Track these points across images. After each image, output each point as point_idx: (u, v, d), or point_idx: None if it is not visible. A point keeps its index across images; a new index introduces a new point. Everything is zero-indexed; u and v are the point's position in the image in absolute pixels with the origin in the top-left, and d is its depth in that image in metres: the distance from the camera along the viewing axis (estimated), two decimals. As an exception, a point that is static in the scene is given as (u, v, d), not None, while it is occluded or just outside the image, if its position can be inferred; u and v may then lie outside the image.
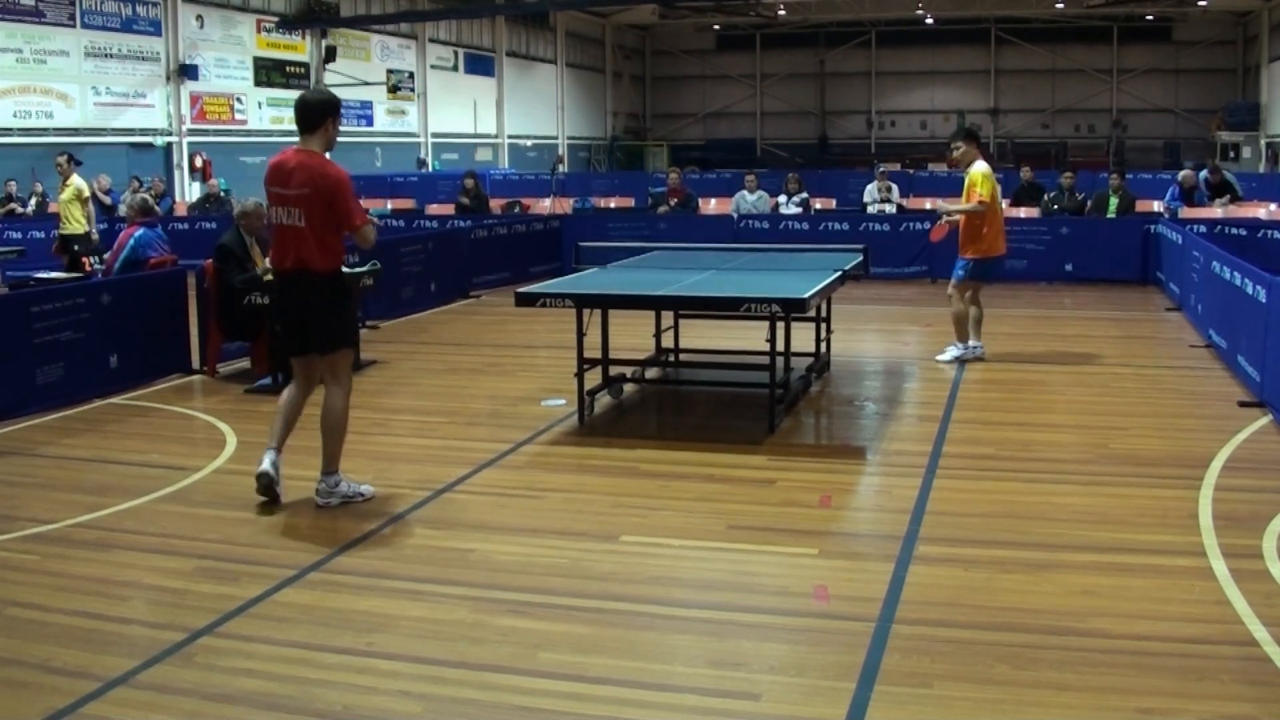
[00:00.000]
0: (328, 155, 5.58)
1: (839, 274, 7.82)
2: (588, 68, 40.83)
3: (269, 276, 8.46)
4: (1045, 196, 15.70)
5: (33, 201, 18.29)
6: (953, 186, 21.07)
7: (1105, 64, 40.04)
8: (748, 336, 8.04)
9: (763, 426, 7.00)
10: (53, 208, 14.42)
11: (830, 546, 5.09)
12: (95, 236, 12.85)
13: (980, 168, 8.91)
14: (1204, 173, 16.93)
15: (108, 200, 16.92)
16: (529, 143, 36.72)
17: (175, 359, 8.94)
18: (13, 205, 17.66)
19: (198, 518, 5.54)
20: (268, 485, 5.61)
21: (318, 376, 5.78)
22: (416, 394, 8.12)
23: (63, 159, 13.09)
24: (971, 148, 9.02)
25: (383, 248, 11.95)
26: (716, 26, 42.60)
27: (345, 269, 9.26)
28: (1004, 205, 17.25)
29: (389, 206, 20.73)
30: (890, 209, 15.80)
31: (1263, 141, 33.38)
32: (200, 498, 5.88)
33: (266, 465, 5.61)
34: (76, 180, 12.92)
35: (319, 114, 5.53)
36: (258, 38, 25.69)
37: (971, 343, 9.15)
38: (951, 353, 9.06)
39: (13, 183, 18.13)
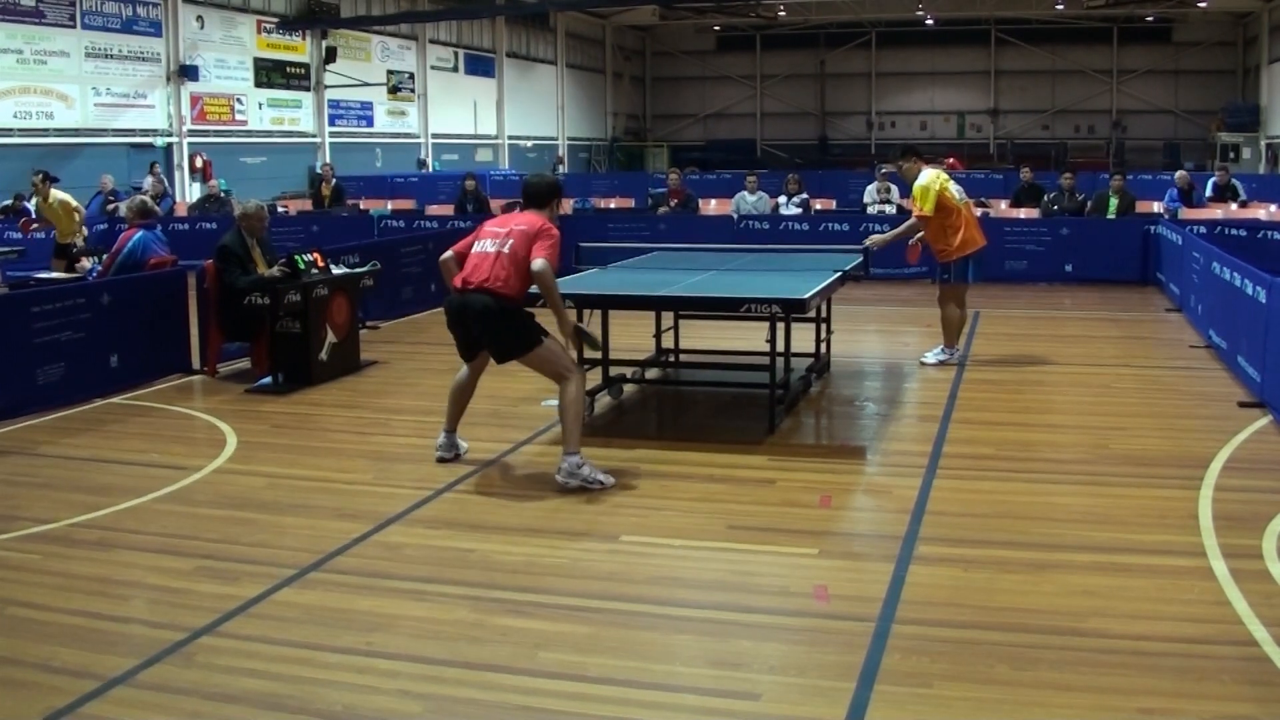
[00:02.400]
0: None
1: (839, 274, 7.82)
2: (588, 68, 40.83)
3: (272, 271, 8.50)
4: (1045, 197, 15.70)
5: (33, 203, 18.23)
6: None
7: (1105, 65, 40.03)
8: (748, 337, 8.04)
9: (763, 427, 7.00)
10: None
11: (830, 546, 5.09)
12: (81, 241, 12.78)
13: (921, 180, 8.92)
14: (1213, 177, 17.04)
15: (113, 201, 16.83)
16: (529, 143, 36.71)
17: (175, 359, 8.94)
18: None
19: (198, 518, 5.54)
20: (441, 460, 6.32)
21: (483, 368, 6.28)
22: (417, 394, 8.12)
23: (37, 178, 12.90)
24: (913, 163, 9.09)
25: (383, 248, 11.98)
26: (716, 27, 42.57)
27: (345, 268, 9.37)
28: (1002, 205, 17.43)
29: (389, 207, 20.72)
30: (890, 210, 15.79)
31: (1263, 142, 33.37)
32: (200, 498, 5.89)
33: (440, 447, 6.36)
34: (58, 195, 12.71)
35: (547, 195, 6.19)
36: (258, 38, 25.67)
37: (948, 349, 9.11)
38: (937, 355, 9.07)
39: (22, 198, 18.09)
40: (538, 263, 5.76)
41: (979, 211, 17.52)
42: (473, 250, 6.04)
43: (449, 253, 6.20)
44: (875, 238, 9.04)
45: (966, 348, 9.67)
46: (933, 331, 9.32)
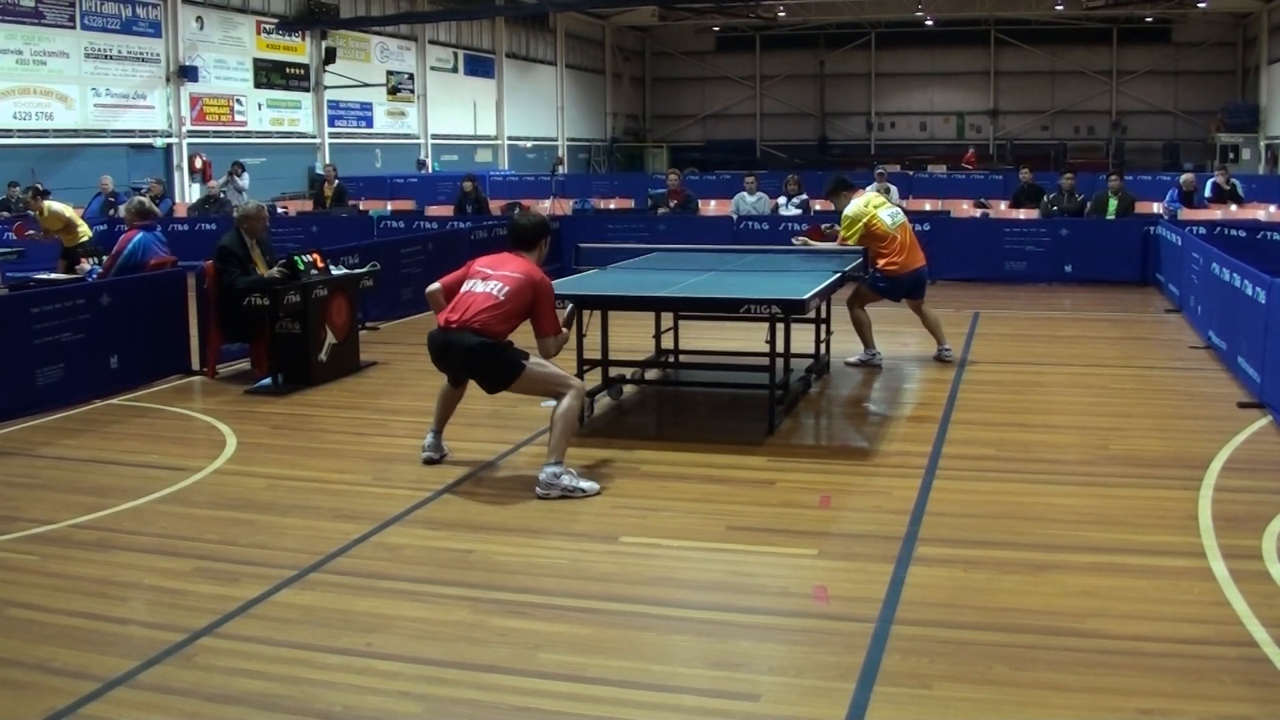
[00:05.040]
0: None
1: (839, 275, 7.82)
2: (587, 69, 40.84)
3: (272, 272, 8.50)
4: (1045, 198, 15.70)
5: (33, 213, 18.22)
6: (952, 188, 21.01)
7: (1105, 66, 40.06)
8: (747, 337, 8.04)
9: (762, 427, 7.00)
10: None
11: (830, 547, 5.09)
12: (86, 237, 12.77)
13: (848, 210, 8.96)
14: (1213, 178, 17.06)
15: (115, 200, 16.82)
16: (529, 144, 36.73)
17: (175, 360, 8.93)
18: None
19: (197, 518, 5.54)
20: (429, 461, 6.36)
21: (466, 383, 6.32)
22: (416, 395, 8.11)
23: (28, 195, 12.83)
24: (843, 196, 9.10)
25: (382, 248, 11.98)
26: (716, 28, 42.59)
27: (345, 269, 9.38)
28: (1002, 205, 17.44)
29: (388, 208, 20.73)
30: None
31: (1262, 143, 33.38)
32: (200, 498, 5.89)
33: (427, 448, 6.40)
34: (53, 207, 12.65)
35: (533, 235, 6.25)
36: (257, 39, 25.68)
37: (869, 351, 9.08)
38: (860, 357, 9.05)
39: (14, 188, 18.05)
40: (546, 347, 6.07)
41: (978, 212, 17.67)
42: (462, 289, 6.06)
43: (436, 285, 6.26)
44: (802, 238, 9.05)
45: (966, 348, 9.69)
46: (929, 334, 9.30)
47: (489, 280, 5.99)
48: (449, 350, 5.98)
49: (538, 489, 5.79)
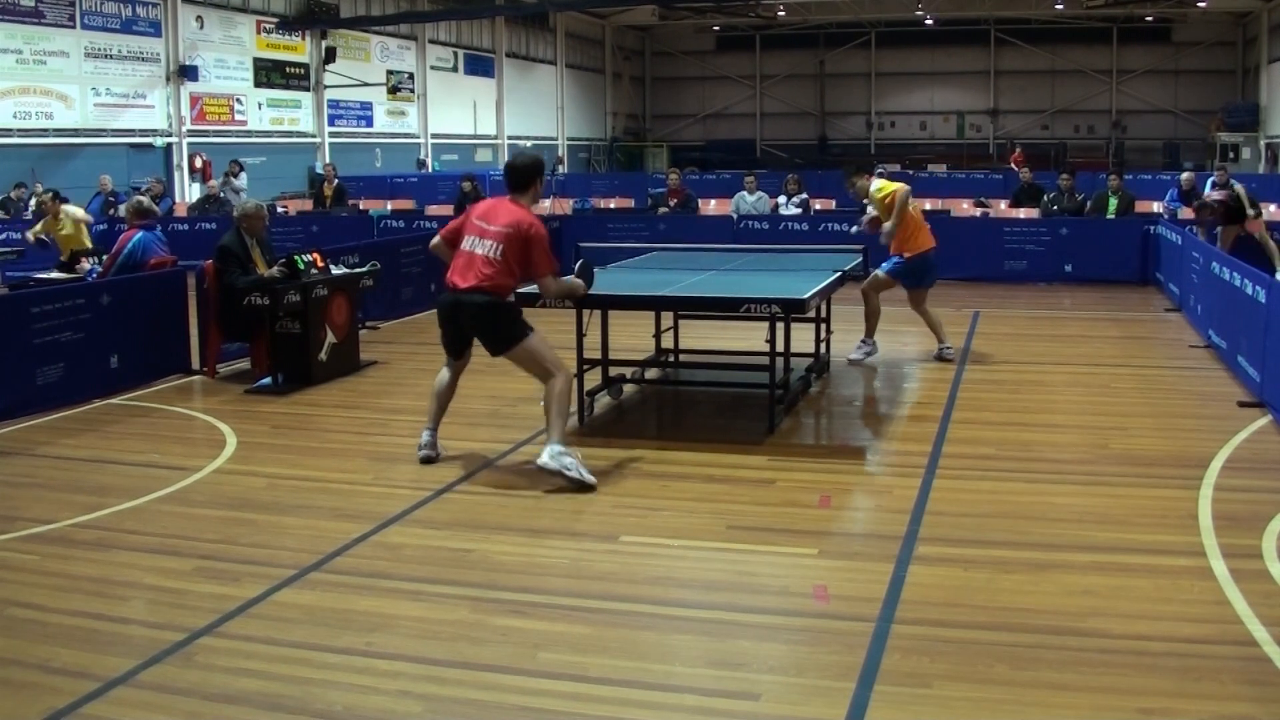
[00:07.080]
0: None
1: (839, 275, 7.82)
2: (587, 69, 40.82)
3: (272, 271, 8.50)
4: (1045, 197, 15.71)
5: (33, 202, 18.25)
6: (952, 187, 20.93)
7: (1105, 65, 40.03)
8: (747, 337, 8.04)
9: (762, 427, 7.00)
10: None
11: (830, 546, 5.09)
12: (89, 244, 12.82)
13: (875, 186, 9.11)
14: (1212, 177, 17.04)
15: (114, 200, 16.85)
16: (529, 144, 36.68)
17: (175, 359, 8.94)
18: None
19: (197, 518, 5.54)
20: (426, 459, 6.37)
21: (464, 368, 6.49)
22: (416, 394, 8.11)
23: (46, 198, 12.92)
24: (863, 177, 9.27)
25: (382, 248, 11.98)
26: (716, 27, 42.55)
27: (345, 269, 9.38)
28: (1002, 205, 17.43)
29: (389, 207, 20.73)
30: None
31: (1262, 142, 33.36)
32: (200, 498, 5.89)
33: (424, 446, 6.41)
34: (70, 210, 12.74)
35: (528, 175, 6.29)
36: (257, 38, 25.66)
37: (867, 341, 9.16)
38: (862, 350, 9.11)
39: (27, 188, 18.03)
40: (545, 285, 6.28)
41: (978, 211, 17.67)
42: (461, 246, 6.18)
43: (437, 238, 6.45)
44: (884, 226, 9.00)
45: (966, 347, 9.69)
46: (930, 333, 9.30)
47: (485, 237, 6.09)
48: (460, 310, 6.13)
49: (537, 461, 5.87)
